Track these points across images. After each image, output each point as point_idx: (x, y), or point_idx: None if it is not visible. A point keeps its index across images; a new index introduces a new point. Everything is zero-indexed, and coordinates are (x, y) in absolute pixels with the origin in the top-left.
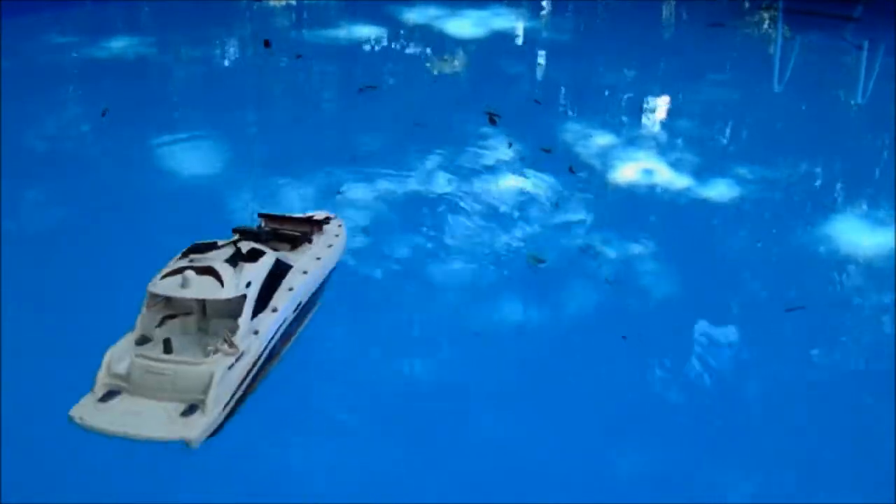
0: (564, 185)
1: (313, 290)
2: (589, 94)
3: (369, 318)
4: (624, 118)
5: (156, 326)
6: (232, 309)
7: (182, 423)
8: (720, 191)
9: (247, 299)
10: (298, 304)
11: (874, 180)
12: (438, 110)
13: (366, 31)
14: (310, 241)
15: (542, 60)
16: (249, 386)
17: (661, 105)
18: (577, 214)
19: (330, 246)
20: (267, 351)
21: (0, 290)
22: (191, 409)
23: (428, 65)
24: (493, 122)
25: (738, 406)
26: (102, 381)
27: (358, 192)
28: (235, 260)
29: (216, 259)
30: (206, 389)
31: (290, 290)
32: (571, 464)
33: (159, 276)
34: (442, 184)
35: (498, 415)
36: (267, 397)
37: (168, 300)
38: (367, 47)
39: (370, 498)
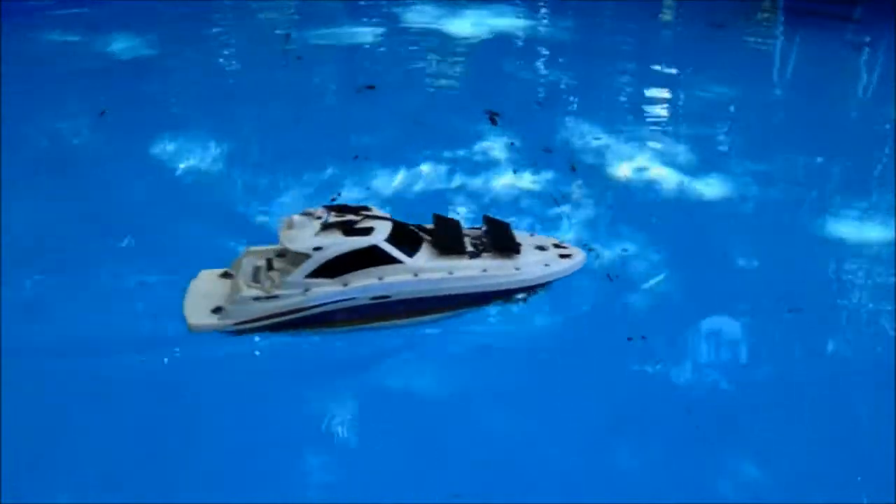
0: (565, 184)
1: (415, 294)
2: (590, 94)
3: None
4: (625, 118)
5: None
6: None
7: (202, 312)
8: (720, 189)
9: (308, 259)
10: (382, 296)
11: (874, 179)
12: (439, 109)
13: (366, 31)
14: (470, 256)
15: (542, 60)
16: (282, 325)
17: (661, 105)
18: (578, 212)
19: (484, 270)
20: (314, 311)
21: (0, 291)
22: (217, 309)
23: (428, 64)
24: (493, 121)
25: (738, 405)
26: (232, 264)
27: (356, 191)
28: (335, 226)
29: (325, 219)
30: (231, 303)
31: (379, 279)
32: (572, 463)
33: (300, 211)
34: (442, 183)
35: (499, 414)
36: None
37: None
38: (366, 47)
39: (374, 497)
